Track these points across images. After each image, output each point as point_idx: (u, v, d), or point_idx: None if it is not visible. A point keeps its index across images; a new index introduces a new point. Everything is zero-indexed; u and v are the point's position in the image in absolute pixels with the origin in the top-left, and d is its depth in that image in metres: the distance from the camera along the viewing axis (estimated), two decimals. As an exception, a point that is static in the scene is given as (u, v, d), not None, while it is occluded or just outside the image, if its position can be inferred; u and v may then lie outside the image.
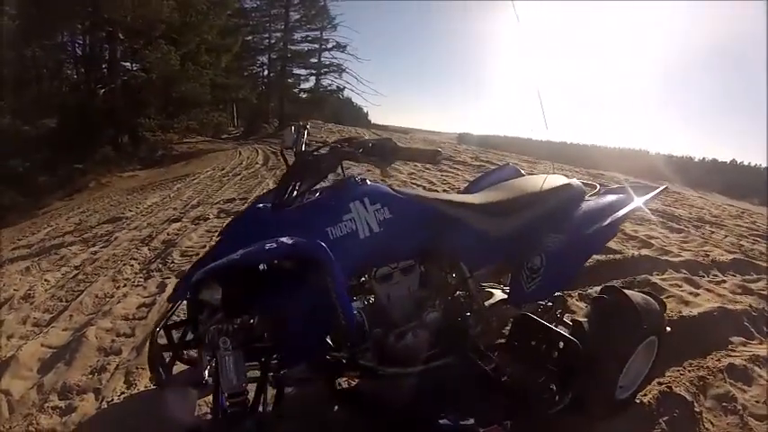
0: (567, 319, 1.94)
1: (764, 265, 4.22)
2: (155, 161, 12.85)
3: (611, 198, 1.85)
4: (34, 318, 2.72)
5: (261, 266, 1.27)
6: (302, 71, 26.19)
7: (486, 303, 1.77)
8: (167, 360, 1.61)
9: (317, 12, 24.33)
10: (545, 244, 1.65)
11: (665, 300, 2.54)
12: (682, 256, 4.00)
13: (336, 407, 1.69)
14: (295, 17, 24.38)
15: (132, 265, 3.60)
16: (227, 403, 1.19)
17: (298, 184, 1.42)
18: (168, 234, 4.47)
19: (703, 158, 19.19)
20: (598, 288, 2.22)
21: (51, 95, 12.44)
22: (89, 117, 12.30)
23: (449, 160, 10.95)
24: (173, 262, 3.60)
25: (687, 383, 1.99)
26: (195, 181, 8.53)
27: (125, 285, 3.17)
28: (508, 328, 1.76)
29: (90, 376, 2.01)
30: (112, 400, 1.82)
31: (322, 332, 1.34)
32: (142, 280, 3.27)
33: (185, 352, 1.68)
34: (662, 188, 2.02)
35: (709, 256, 4.21)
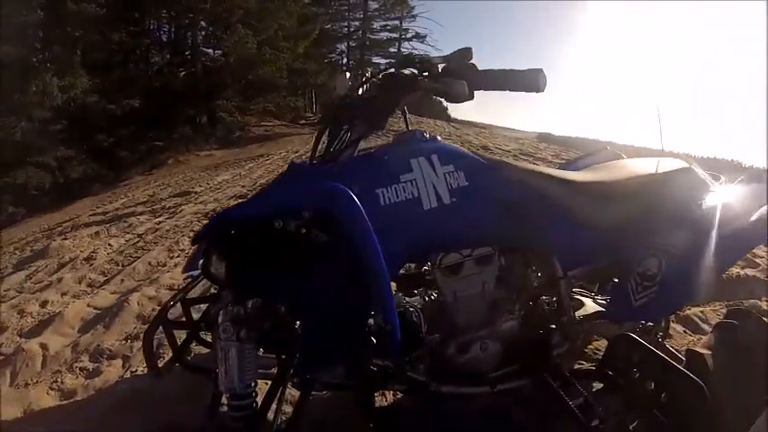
0: (662, 340, 1.56)
1: None
2: (231, 141, 13.16)
3: (751, 187, 1.37)
4: (90, 278, 2.84)
5: (278, 227, 0.91)
6: (381, 60, 25.70)
7: (577, 314, 1.35)
8: (182, 341, 1.35)
9: (396, 1, 24.05)
10: (665, 244, 1.22)
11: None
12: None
13: (371, 425, 1.26)
14: (374, 6, 24.24)
15: (190, 237, 3.59)
16: (226, 406, 0.94)
17: (346, 132, 1.07)
18: (232, 209, 4.47)
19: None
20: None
21: (137, 78, 13.00)
22: (170, 98, 12.84)
23: (529, 156, 10.31)
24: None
25: None
26: (268, 161, 8.64)
27: (179, 256, 3.18)
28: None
29: (123, 342, 1.96)
30: (136, 370, 1.73)
31: (359, 330, 0.98)
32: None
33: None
34: None
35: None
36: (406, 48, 25.23)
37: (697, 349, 1.21)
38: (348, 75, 1.20)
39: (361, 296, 0.90)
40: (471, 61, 1.05)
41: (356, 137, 1.07)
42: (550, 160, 10.16)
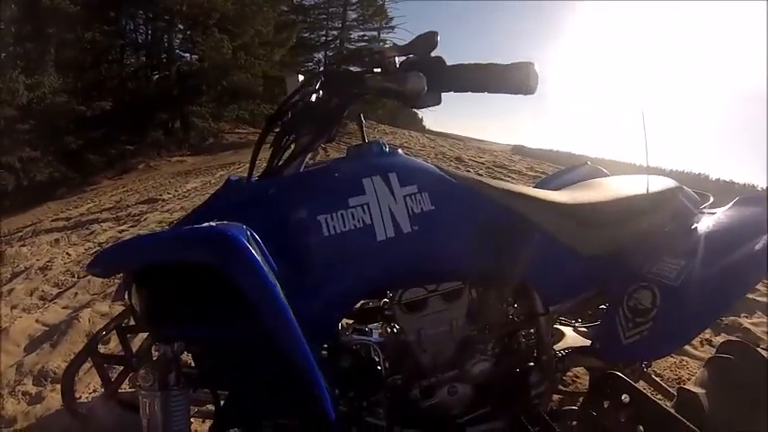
0: (647, 368, 1.45)
1: None
2: (204, 148, 12.91)
3: (746, 210, 1.22)
4: (42, 291, 2.71)
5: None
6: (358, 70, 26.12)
7: (557, 348, 1.20)
8: (114, 375, 1.18)
9: (375, 11, 24.14)
10: (658, 274, 1.07)
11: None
12: (770, 294, 3.43)
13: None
14: (352, 16, 24.31)
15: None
16: None
17: (290, 143, 0.90)
18: (198, 219, 4.35)
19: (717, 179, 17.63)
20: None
21: (110, 79, 12.61)
22: (143, 101, 12.49)
23: (503, 169, 10.39)
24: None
25: None
26: (240, 169, 8.49)
27: None
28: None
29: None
30: (80, 397, 1.59)
31: (290, 377, 0.76)
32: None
33: None
34: None
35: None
36: None
37: (689, 387, 1.11)
38: (301, 76, 1.06)
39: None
40: (440, 55, 0.86)
41: (300, 149, 0.90)
42: (525, 173, 10.30)
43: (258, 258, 0.67)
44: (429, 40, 0.86)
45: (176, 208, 4.97)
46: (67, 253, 3.39)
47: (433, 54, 0.87)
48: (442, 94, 0.87)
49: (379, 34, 24.93)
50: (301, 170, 0.92)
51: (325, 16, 24.52)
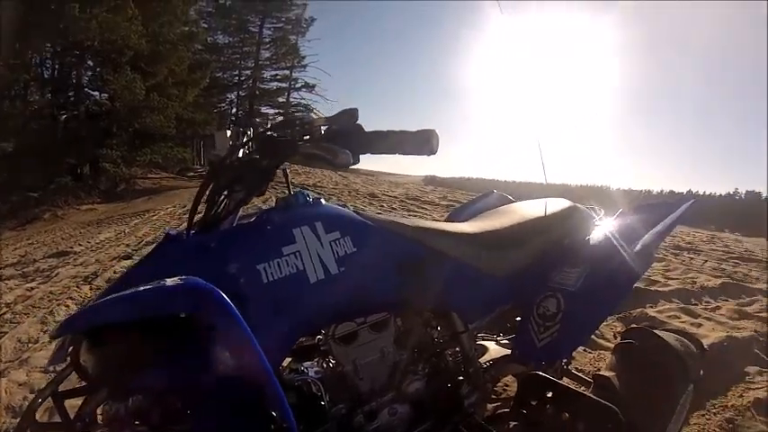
0: (567, 365, 1.62)
1: (752, 286, 4.17)
2: (115, 195, 12.22)
3: (630, 219, 1.48)
4: None
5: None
6: (270, 110, 25.55)
7: (482, 361, 1.35)
8: None
9: (288, 50, 24.32)
10: (560, 283, 1.26)
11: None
12: (670, 285, 3.90)
13: None
14: (266, 55, 24.34)
15: (68, 306, 3.22)
16: None
17: (225, 198, 0.99)
18: (115, 272, 4.12)
19: (661, 190, 19.94)
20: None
21: (12, 117, 11.37)
22: (49, 143, 11.56)
23: (416, 200, 10.82)
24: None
25: (718, 430, 1.75)
26: (154, 217, 8.17)
27: None
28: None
29: (-13, 447, 1.66)
30: None
31: (254, 422, 0.85)
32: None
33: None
34: (690, 202, 1.55)
35: (696, 282, 4.15)
36: (295, 97, 25.45)
37: (603, 373, 1.31)
38: (229, 132, 1.12)
39: (251, 390, 0.81)
40: (358, 122, 1.00)
41: (235, 204, 1.00)
42: (438, 203, 10.82)
43: (233, 311, 0.75)
44: (351, 114, 1.00)
45: (91, 261, 4.64)
46: (-32, 319, 3.04)
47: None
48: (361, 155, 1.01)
49: (291, 73, 25.14)
50: (236, 222, 1.02)
51: (238, 56, 24.36)
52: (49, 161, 11.39)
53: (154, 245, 4.33)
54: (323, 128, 1.02)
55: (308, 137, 1.01)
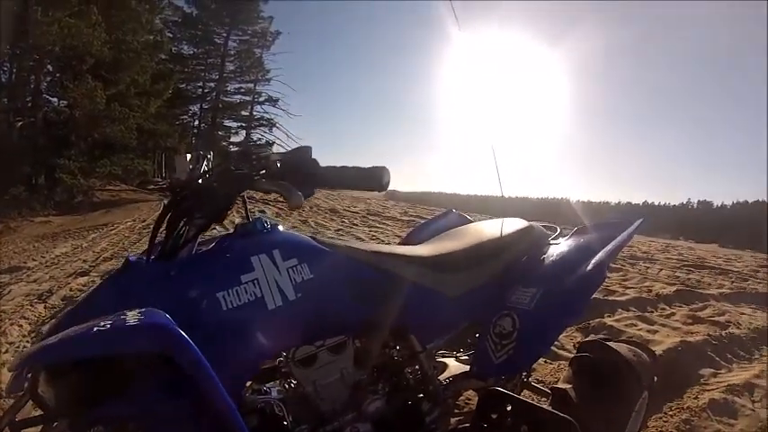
0: (533, 381, 1.66)
1: (705, 292, 4.38)
2: (72, 207, 11.69)
3: (583, 238, 1.52)
4: None
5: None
6: (233, 124, 25.46)
7: (442, 378, 1.38)
8: None
9: (252, 63, 24.16)
10: (516, 302, 1.30)
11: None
12: (627, 294, 4.05)
13: None
14: (230, 68, 24.11)
15: (21, 326, 3.05)
16: None
17: (184, 226, 1.00)
18: (71, 289, 3.94)
19: (618, 202, 20.85)
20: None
21: None
22: (3, 151, 10.90)
23: (377, 216, 10.90)
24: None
25: (675, 431, 1.84)
26: (113, 231, 7.92)
27: (6, 351, 2.64)
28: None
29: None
30: None
31: None
32: (29, 345, 2.72)
33: None
34: (639, 221, 1.60)
35: (651, 290, 4.33)
36: (259, 111, 25.34)
37: (560, 386, 1.35)
38: (188, 156, 1.13)
39: (212, 422, 0.82)
40: (315, 158, 1.04)
41: (195, 231, 1.01)
42: (399, 218, 10.96)
43: (194, 348, 0.76)
44: (305, 152, 1.04)
45: (45, 278, 4.42)
46: None
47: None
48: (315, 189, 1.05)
49: (255, 86, 25.02)
50: (195, 248, 1.02)
51: (203, 67, 24.06)
52: (1, 170, 10.81)
53: (112, 261, 4.18)
54: (278, 162, 1.04)
55: (264, 171, 1.04)
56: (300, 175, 1.01)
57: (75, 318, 0.87)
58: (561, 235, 1.62)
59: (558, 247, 1.48)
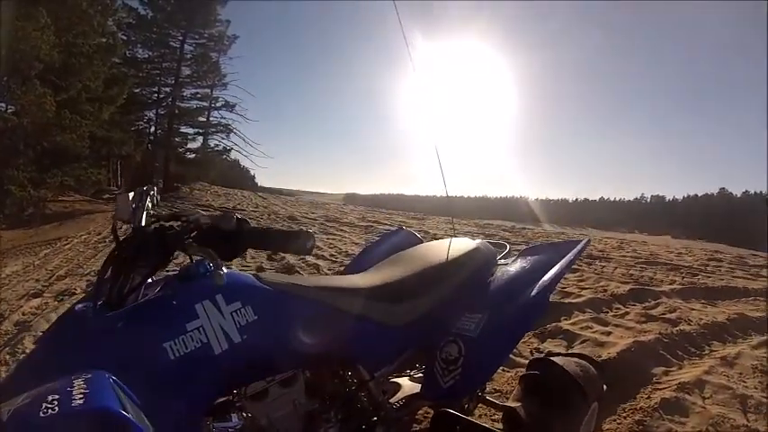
0: (488, 395, 1.70)
1: (657, 289, 4.57)
2: (22, 221, 11.18)
3: (529, 260, 1.55)
4: None
5: None
6: (189, 130, 24.64)
7: (394, 400, 1.43)
8: None
9: (209, 68, 23.49)
10: (461, 328, 1.34)
11: (585, 349, 2.51)
12: (583, 295, 4.16)
13: None
14: (186, 72, 23.34)
15: (-34, 356, 2.88)
16: None
17: (129, 274, 1.02)
18: (23, 314, 3.73)
19: (576, 199, 21.56)
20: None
21: None
22: None
23: (335, 222, 10.91)
24: (23, 352, 2.84)
25: None
26: (67, 246, 7.60)
27: None
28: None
29: None
30: None
31: None
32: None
33: None
34: (585, 241, 1.64)
35: (606, 290, 4.46)
36: (215, 117, 24.81)
37: (510, 404, 1.41)
38: (131, 195, 1.13)
39: None
40: (240, 219, 1.06)
41: (140, 279, 1.03)
42: (356, 224, 10.99)
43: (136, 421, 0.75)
44: (231, 218, 1.05)
45: (-7, 300, 4.20)
46: None
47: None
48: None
49: (211, 92, 24.44)
50: (141, 296, 1.04)
51: (158, 71, 23.26)
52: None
53: (66, 280, 3.94)
54: (205, 226, 1.06)
55: (195, 233, 1.06)
56: (230, 239, 1.03)
57: (26, 373, 0.90)
58: (509, 254, 1.66)
59: (505, 270, 1.52)
